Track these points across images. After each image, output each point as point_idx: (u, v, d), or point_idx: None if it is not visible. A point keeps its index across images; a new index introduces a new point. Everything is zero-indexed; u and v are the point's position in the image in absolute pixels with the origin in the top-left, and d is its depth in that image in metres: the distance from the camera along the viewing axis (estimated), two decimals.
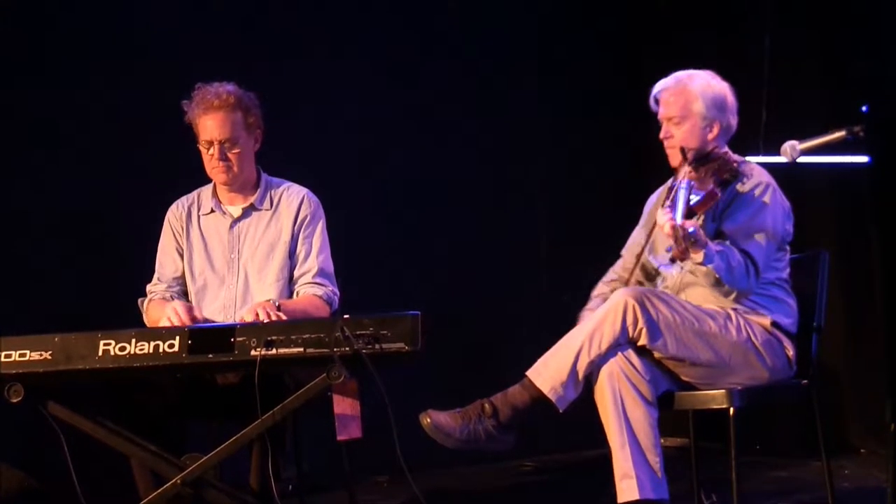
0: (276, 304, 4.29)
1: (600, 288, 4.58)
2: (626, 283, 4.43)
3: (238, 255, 4.54)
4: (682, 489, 4.58)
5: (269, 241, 4.53)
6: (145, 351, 3.94)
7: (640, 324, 4.08)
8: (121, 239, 5.52)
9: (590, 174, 6.81)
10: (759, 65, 6.16)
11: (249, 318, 4.18)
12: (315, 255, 4.52)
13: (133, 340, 3.95)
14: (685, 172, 4.25)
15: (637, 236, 4.60)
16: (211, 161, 4.48)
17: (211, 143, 4.46)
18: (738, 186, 4.28)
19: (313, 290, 4.48)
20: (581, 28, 6.87)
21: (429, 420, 4.08)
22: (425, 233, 6.39)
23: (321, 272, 4.51)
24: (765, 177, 4.34)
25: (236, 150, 4.47)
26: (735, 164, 4.28)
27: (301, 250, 4.53)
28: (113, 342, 3.95)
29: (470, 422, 4.10)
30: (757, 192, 4.28)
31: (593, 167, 6.81)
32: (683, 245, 3.93)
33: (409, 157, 6.35)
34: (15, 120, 5.50)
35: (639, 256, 4.43)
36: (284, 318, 4.19)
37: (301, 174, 4.84)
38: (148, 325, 4.43)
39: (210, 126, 4.45)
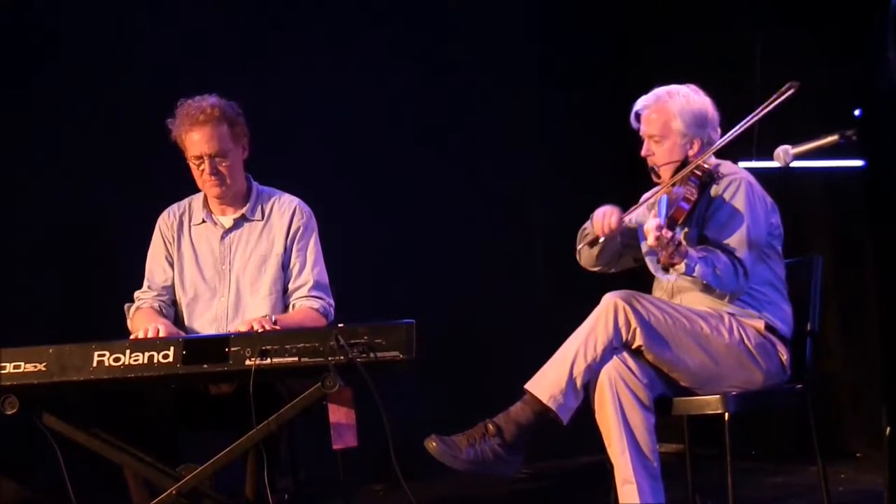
0: (273, 319, 4.29)
1: None
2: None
3: (230, 267, 4.53)
4: (678, 495, 4.58)
5: (261, 252, 4.52)
6: (140, 362, 3.93)
7: (633, 324, 4.09)
8: (118, 247, 5.50)
9: (590, 180, 6.80)
10: (751, 69, 6.17)
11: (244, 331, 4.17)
12: (310, 268, 4.51)
13: (127, 351, 3.94)
14: (664, 189, 4.28)
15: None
16: (202, 176, 4.46)
17: (201, 158, 4.43)
18: (714, 188, 4.30)
19: (309, 302, 4.47)
20: (581, 29, 6.87)
21: (434, 444, 4.08)
22: (421, 239, 6.38)
23: (317, 285, 4.50)
24: (739, 173, 4.35)
25: (227, 163, 4.45)
26: (709, 168, 4.30)
27: (295, 263, 4.51)
28: (107, 353, 3.94)
29: (475, 442, 4.10)
30: (730, 190, 4.29)
31: (592, 170, 6.81)
32: (669, 250, 3.95)
33: (404, 163, 6.34)
34: (12, 128, 5.50)
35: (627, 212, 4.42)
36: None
37: (296, 179, 4.83)
38: (132, 331, 4.42)
39: (198, 141, 4.42)
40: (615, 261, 4.58)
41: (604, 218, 4.36)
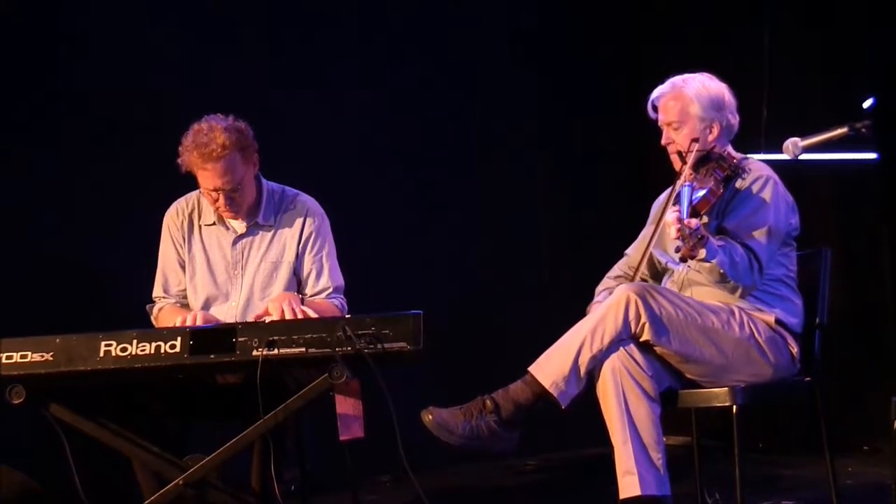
0: (302, 298, 4.29)
1: (606, 283, 4.58)
2: (632, 280, 4.43)
3: (242, 272, 4.51)
4: (685, 488, 4.57)
5: (272, 259, 4.51)
6: (147, 352, 3.93)
7: (643, 319, 4.07)
8: (119, 244, 5.51)
9: (591, 174, 6.82)
10: (759, 62, 6.16)
11: (273, 310, 4.19)
12: (327, 274, 4.52)
13: (134, 341, 3.94)
14: (686, 175, 4.25)
15: (644, 234, 4.60)
16: (216, 203, 4.43)
17: (215, 190, 4.40)
18: (738, 183, 4.28)
19: (331, 300, 4.49)
20: (582, 29, 6.87)
21: (431, 417, 4.07)
22: (427, 232, 6.39)
23: (335, 289, 4.52)
24: (765, 171, 4.33)
25: (240, 191, 4.42)
26: (735, 161, 4.28)
27: (312, 270, 4.51)
28: (114, 343, 3.94)
29: (472, 418, 4.08)
30: (756, 186, 4.28)
31: (594, 168, 6.82)
32: (691, 242, 3.93)
33: (409, 157, 6.35)
34: (16, 119, 5.49)
35: (644, 252, 4.43)
36: (311, 312, 4.20)
37: (303, 173, 4.82)
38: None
39: (211, 176, 4.36)
40: None
41: None
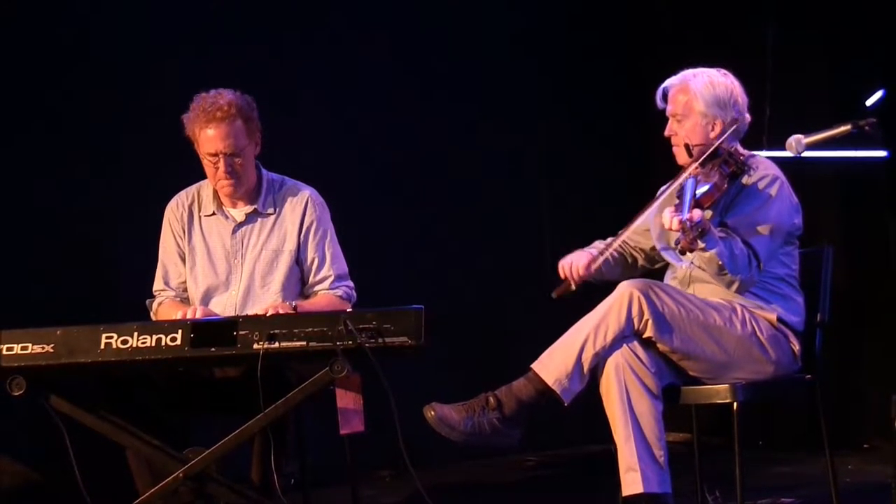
0: (294, 305, 4.28)
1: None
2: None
3: (241, 261, 4.51)
4: (686, 484, 4.57)
5: (272, 247, 4.50)
6: (147, 344, 3.92)
7: (646, 316, 4.07)
8: (119, 237, 5.50)
9: (591, 172, 6.82)
10: (762, 59, 6.15)
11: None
12: (329, 262, 4.51)
13: (135, 334, 3.93)
14: (691, 170, 4.24)
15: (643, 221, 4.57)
16: (217, 174, 4.42)
17: (216, 156, 4.39)
18: (744, 179, 4.27)
19: (333, 290, 4.49)
20: (582, 27, 6.87)
21: (433, 413, 4.07)
22: (428, 227, 6.39)
23: (338, 278, 4.51)
24: (772, 170, 4.32)
25: (241, 161, 4.41)
26: (742, 159, 4.27)
27: (314, 259, 4.50)
28: (115, 335, 3.94)
29: (474, 414, 4.08)
30: (762, 184, 4.26)
31: (595, 167, 6.82)
32: (692, 235, 3.92)
33: (412, 152, 6.35)
34: (19, 115, 5.49)
35: (636, 216, 4.39)
36: None
37: (304, 168, 4.82)
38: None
39: (214, 138, 4.36)
40: (625, 275, 4.54)
41: (571, 269, 4.40)
